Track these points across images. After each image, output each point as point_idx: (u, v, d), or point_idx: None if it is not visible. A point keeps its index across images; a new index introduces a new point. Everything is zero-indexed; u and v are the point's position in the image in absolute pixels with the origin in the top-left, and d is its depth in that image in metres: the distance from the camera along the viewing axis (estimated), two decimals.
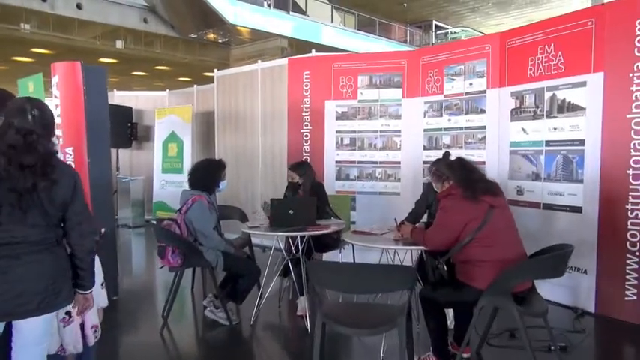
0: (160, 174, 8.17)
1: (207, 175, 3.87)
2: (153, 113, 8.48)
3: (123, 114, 8.23)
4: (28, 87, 5.64)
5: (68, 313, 2.34)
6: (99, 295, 2.63)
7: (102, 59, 15.41)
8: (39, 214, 1.90)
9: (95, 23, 13.75)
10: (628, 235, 3.71)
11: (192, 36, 15.55)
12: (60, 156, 2.60)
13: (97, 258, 2.65)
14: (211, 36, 16.29)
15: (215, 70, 7.51)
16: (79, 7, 13.11)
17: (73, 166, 3.61)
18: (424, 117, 5.31)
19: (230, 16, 14.01)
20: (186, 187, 3.95)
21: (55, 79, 4.23)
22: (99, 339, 2.49)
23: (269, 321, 3.95)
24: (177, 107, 8.30)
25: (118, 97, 8.78)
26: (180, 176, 7.74)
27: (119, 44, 14.86)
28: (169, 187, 7.97)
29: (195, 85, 8.47)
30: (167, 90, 9.03)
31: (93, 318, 2.51)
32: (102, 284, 2.66)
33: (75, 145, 4.07)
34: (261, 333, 3.78)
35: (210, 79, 7.62)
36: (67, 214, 1.97)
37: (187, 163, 7.68)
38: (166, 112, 8.29)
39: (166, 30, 15.02)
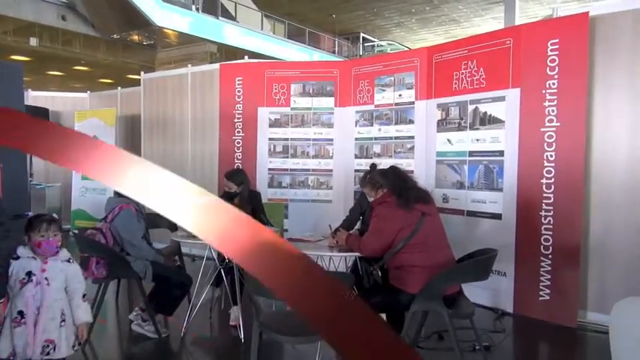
0: (80, 180, 7.68)
1: None
2: (72, 116, 7.97)
3: (38, 116, 7.66)
4: None
5: (20, 313, 2.16)
6: (78, 308, 2.31)
7: (13, 56, 14.32)
8: None
9: (6, 17, 12.74)
10: (542, 240, 4.00)
11: (115, 36, 14.85)
12: None
13: (78, 266, 2.41)
14: (136, 37, 15.64)
15: (142, 72, 7.22)
16: None
17: None
18: (356, 126, 5.43)
19: (156, 18, 13.54)
20: (111, 194, 3.76)
21: None
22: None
23: (201, 332, 3.83)
24: (99, 110, 7.87)
25: (32, 97, 8.19)
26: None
27: (33, 41, 13.88)
28: (90, 194, 7.53)
29: (119, 88, 8.09)
30: (88, 92, 8.55)
31: (50, 331, 2.21)
32: (83, 296, 2.34)
33: None
34: (192, 345, 3.66)
35: (134, 82, 7.33)
36: None
37: None
38: (87, 114, 7.84)
39: (86, 29, 14.21)
